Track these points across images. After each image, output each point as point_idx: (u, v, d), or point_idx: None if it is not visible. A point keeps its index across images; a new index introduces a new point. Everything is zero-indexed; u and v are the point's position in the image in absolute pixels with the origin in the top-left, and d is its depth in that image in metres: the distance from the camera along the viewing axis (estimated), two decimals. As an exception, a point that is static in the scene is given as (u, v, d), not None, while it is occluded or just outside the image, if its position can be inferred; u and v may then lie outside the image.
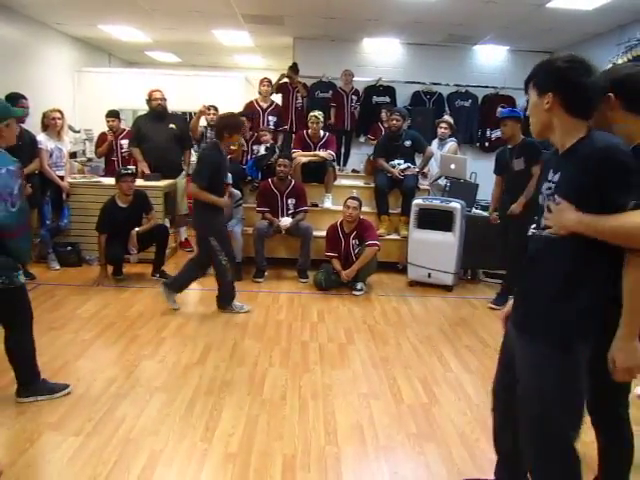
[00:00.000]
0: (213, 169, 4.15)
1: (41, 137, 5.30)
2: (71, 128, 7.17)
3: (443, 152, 6.30)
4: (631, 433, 1.97)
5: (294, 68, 7.39)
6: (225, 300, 4.45)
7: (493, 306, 4.83)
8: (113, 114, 6.56)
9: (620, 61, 5.95)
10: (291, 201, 5.52)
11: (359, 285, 5.14)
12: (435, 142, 6.53)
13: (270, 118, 6.84)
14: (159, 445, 2.48)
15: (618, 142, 1.54)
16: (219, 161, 4.22)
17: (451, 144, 6.43)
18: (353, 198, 5.22)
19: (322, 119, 6.09)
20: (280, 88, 7.45)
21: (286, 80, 7.39)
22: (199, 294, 5.02)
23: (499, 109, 8.02)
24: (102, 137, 6.62)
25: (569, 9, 5.92)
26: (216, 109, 6.27)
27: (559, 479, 1.70)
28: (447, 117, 6.74)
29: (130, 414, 2.73)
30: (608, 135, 1.59)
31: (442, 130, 6.46)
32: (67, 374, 3.14)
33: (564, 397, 1.63)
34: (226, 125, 4.18)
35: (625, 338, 1.56)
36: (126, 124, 6.74)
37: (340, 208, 5.37)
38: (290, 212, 5.51)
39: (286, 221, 5.34)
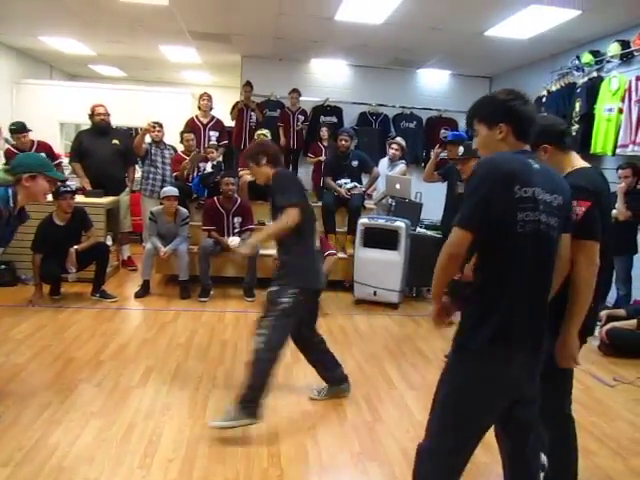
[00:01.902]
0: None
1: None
2: (7, 141, 6.89)
3: (393, 173, 6.38)
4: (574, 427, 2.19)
5: (249, 84, 7.42)
6: None
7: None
8: (21, 128, 5.72)
9: (554, 87, 6.29)
10: (237, 219, 5.49)
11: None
12: (384, 162, 6.60)
13: (211, 133, 6.80)
14: (94, 473, 2.37)
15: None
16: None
17: (401, 166, 6.49)
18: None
19: (269, 137, 6.11)
20: (234, 107, 7.46)
21: (239, 100, 7.41)
22: (141, 314, 4.89)
23: (442, 131, 8.33)
24: (8, 152, 5.80)
25: (506, 38, 6.20)
26: (161, 126, 6.18)
27: None
28: (399, 139, 6.78)
29: (64, 441, 2.61)
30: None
31: (393, 151, 6.46)
32: (-4, 400, 2.99)
33: None
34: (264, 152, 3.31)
35: (572, 332, 1.91)
36: (68, 138, 6.51)
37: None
38: (236, 230, 5.47)
39: (235, 240, 5.30)
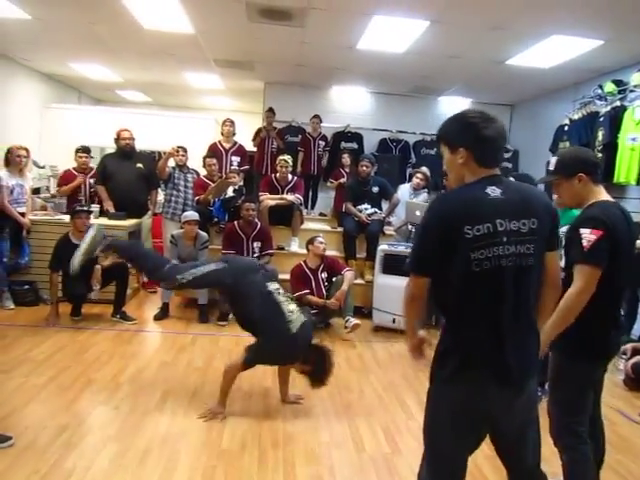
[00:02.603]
0: None
1: (2, 174, 5.19)
2: (35, 164, 7.07)
3: (414, 200, 6.34)
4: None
5: (272, 111, 7.56)
6: None
7: None
8: (84, 150, 6.25)
9: (576, 116, 6.26)
10: (257, 244, 5.51)
11: (348, 318, 5.16)
12: (406, 189, 6.56)
13: (233, 158, 6.89)
14: (109, 499, 2.36)
15: None
16: None
17: (424, 195, 6.44)
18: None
19: (291, 163, 6.17)
20: (256, 134, 7.58)
21: (262, 127, 7.54)
22: (160, 337, 4.90)
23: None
24: (66, 174, 6.19)
25: (527, 67, 6.22)
26: (185, 150, 6.29)
27: None
28: (424, 168, 6.70)
29: (80, 465, 2.60)
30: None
31: (418, 180, 6.41)
32: (14, 422, 2.99)
33: None
34: None
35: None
36: (94, 162, 6.64)
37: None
38: (255, 255, 5.49)
39: None
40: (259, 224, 5.60)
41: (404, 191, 6.50)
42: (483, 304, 1.64)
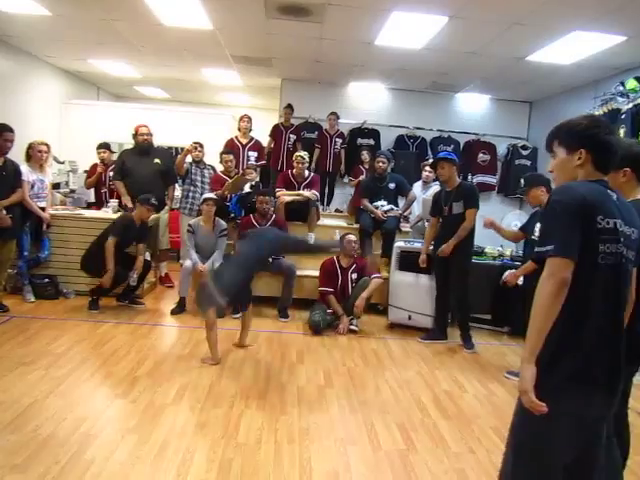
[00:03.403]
0: None
1: (23, 168, 5.26)
2: (55, 159, 7.15)
3: (427, 195, 6.35)
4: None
5: (290, 107, 7.60)
6: None
7: (468, 351, 4.88)
8: (104, 146, 6.58)
9: (597, 113, 6.17)
10: None
11: (353, 320, 5.20)
12: (418, 185, 6.61)
13: (250, 154, 6.92)
14: (128, 490, 2.39)
15: None
16: None
17: (435, 187, 6.48)
18: (349, 234, 5.38)
19: (307, 159, 6.18)
20: (272, 130, 7.62)
21: (278, 123, 7.57)
22: (177, 331, 4.94)
23: (480, 155, 8.27)
24: (93, 169, 6.63)
25: (548, 63, 6.15)
26: (202, 146, 6.32)
27: None
28: (432, 161, 6.80)
29: (99, 456, 2.64)
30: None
31: (426, 174, 6.48)
32: (35, 412, 3.04)
33: None
34: None
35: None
36: (114, 157, 6.79)
37: (323, 248, 5.41)
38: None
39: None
40: (274, 216, 5.64)
41: (418, 188, 6.50)
42: (601, 303, 1.61)
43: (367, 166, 7.01)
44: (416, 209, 6.52)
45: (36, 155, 5.36)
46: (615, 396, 1.65)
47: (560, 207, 1.62)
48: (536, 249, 1.65)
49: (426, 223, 6.19)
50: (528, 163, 8.15)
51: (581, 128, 1.75)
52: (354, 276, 5.29)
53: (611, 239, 1.60)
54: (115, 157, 6.64)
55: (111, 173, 6.33)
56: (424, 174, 6.54)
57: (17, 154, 5.27)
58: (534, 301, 1.59)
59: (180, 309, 5.36)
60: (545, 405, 1.55)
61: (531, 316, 1.60)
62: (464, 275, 4.87)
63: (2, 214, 4.76)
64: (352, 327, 5.13)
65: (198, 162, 6.29)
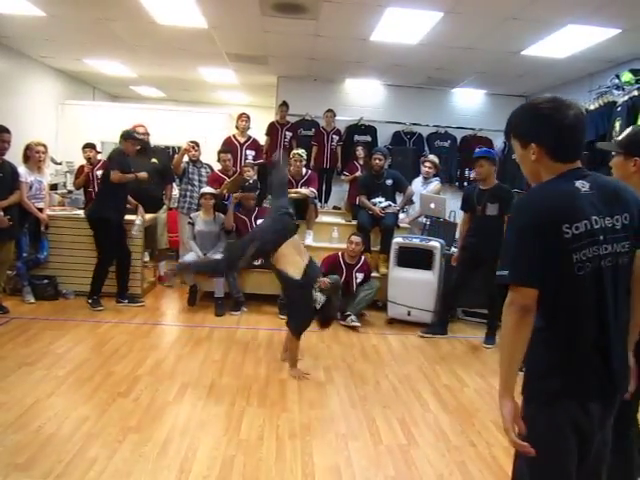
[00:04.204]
0: None
1: (21, 169, 5.26)
2: (53, 160, 7.12)
3: (427, 191, 6.35)
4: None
5: (285, 104, 7.60)
6: None
7: (487, 346, 4.88)
8: (89, 145, 6.73)
9: (592, 107, 6.18)
10: (259, 221, 5.59)
11: (351, 317, 5.20)
12: (418, 180, 6.60)
13: (248, 152, 6.91)
14: (131, 488, 2.41)
15: None
16: None
17: (435, 183, 6.49)
18: (356, 234, 5.38)
19: (305, 157, 6.18)
20: (268, 128, 7.62)
21: (274, 121, 7.56)
22: (177, 330, 4.96)
23: (477, 149, 8.27)
24: (80, 169, 6.77)
25: (543, 57, 6.15)
26: (198, 145, 6.32)
27: None
28: (432, 156, 6.76)
29: (102, 455, 2.66)
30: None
31: (426, 169, 6.46)
32: (38, 412, 3.06)
33: None
34: None
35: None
36: (101, 156, 6.84)
37: (321, 245, 5.45)
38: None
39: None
40: (257, 209, 5.85)
41: (417, 184, 6.51)
42: (587, 311, 1.50)
43: (362, 162, 7.02)
44: (415, 204, 6.53)
45: (34, 156, 5.36)
46: (613, 405, 1.57)
47: (515, 228, 1.52)
48: (497, 272, 1.51)
49: (425, 219, 6.23)
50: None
51: (526, 119, 1.59)
52: (359, 275, 5.32)
53: (585, 244, 1.46)
54: (101, 157, 6.70)
55: (98, 172, 6.28)
56: (424, 170, 6.51)
57: (14, 155, 5.27)
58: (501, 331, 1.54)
59: (194, 299, 5.50)
60: (528, 445, 1.45)
61: (499, 348, 1.53)
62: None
63: (0, 216, 4.77)
64: (353, 323, 5.14)
65: (195, 161, 6.30)
